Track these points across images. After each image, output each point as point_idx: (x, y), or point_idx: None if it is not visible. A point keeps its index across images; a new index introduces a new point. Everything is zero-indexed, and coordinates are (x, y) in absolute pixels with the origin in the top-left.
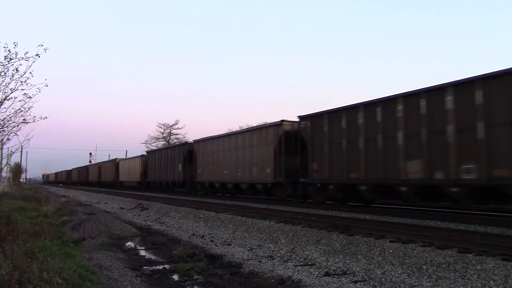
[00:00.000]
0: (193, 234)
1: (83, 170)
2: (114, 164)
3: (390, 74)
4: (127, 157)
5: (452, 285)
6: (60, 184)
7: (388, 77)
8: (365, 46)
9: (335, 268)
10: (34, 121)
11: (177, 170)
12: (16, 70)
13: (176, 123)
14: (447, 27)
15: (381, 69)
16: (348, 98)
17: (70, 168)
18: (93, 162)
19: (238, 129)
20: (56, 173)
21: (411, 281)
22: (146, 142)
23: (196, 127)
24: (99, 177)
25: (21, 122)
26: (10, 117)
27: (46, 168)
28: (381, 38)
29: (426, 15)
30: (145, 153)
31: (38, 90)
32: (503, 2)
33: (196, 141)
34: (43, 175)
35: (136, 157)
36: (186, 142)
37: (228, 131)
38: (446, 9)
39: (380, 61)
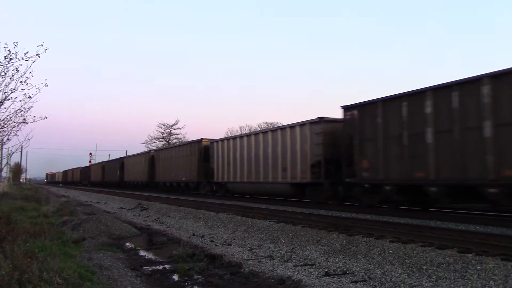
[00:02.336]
0: (193, 234)
1: (112, 166)
2: (195, 150)
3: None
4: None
5: (452, 285)
6: (60, 184)
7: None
8: (365, 48)
9: (335, 268)
10: (34, 121)
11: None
12: (16, 70)
13: (176, 123)
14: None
15: (379, 70)
16: (345, 98)
17: (87, 164)
18: (93, 162)
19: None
20: (65, 172)
21: (411, 281)
22: (146, 142)
23: (196, 127)
24: (152, 175)
25: (21, 122)
26: (10, 117)
27: (49, 167)
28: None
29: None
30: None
31: (38, 90)
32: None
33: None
34: (47, 174)
35: (300, 124)
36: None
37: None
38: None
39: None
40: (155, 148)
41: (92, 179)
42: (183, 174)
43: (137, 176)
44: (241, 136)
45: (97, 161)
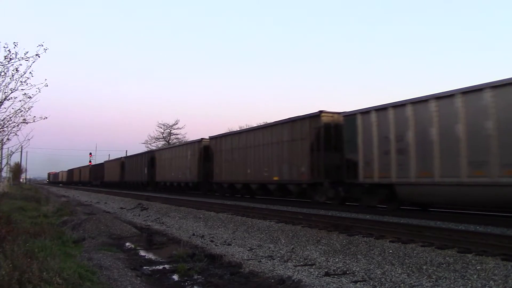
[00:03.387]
0: (193, 234)
1: (136, 162)
2: (304, 132)
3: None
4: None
5: (452, 285)
6: (60, 184)
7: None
8: (363, 50)
9: (335, 268)
10: (34, 121)
11: None
12: (16, 70)
13: (176, 123)
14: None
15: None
16: (345, 98)
17: (101, 161)
18: (93, 162)
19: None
20: (70, 171)
21: (411, 281)
22: (146, 142)
23: (196, 127)
24: (206, 174)
25: (21, 122)
26: (10, 117)
27: (50, 167)
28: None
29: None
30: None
31: (38, 90)
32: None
33: None
34: (49, 174)
35: None
36: None
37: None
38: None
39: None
40: (211, 135)
41: (106, 178)
42: (273, 171)
43: (179, 176)
44: (432, 98)
45: (97, 162)
